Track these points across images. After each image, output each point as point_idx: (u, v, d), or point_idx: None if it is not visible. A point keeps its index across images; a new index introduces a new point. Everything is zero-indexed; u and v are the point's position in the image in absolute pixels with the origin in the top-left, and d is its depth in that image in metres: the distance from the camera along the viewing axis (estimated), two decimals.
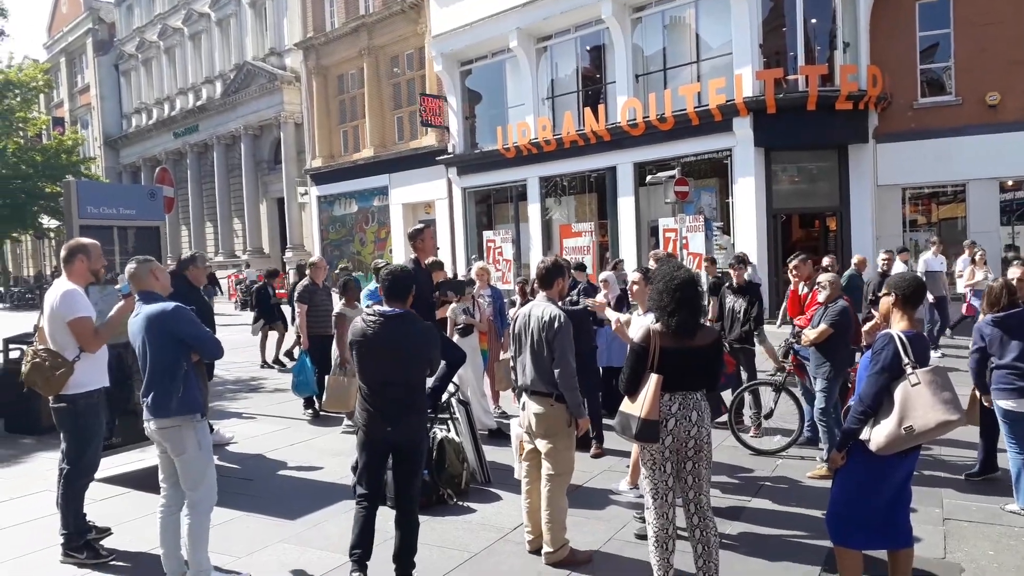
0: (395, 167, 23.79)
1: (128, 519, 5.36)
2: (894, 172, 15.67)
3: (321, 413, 8.71)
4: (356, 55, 24.67)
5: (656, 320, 3.92)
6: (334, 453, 7.11)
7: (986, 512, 5.26)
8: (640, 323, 4.26)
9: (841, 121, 14.91)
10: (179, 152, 36.46)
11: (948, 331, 12.66)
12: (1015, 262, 6.33)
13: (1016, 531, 4.92)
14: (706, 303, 7.74)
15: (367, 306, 6.77)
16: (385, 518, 4.34)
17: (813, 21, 15.40)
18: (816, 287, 6.52)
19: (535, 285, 4.84)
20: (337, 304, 8.48)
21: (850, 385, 6.12)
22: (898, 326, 3.70)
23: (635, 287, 5.41)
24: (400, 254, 23.34)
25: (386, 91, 24.43)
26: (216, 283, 25.82)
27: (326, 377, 8.09)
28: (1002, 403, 5.25)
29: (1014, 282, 5.76)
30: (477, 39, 20.08)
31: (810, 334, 6.23)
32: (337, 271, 17.00)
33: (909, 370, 3.52)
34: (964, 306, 12.10)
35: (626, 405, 3.87)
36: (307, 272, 9.42)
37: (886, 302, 3.82)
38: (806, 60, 15.07)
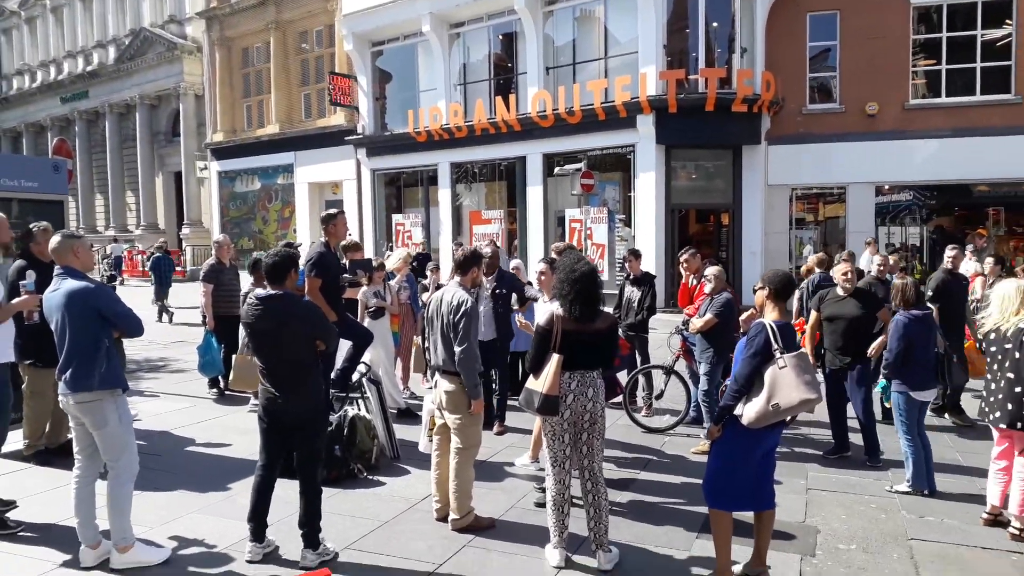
0: (301, 145, 23.39)
1: (34, 492, 5.32)
2: (783, 173, 16.76)
3: (227, 392, 8.70)
4: (263, 28, 24.03)
5: (559, 306, 4.30)
6: (242, 431, 7.17)
7: (843, 483, 5.95)
8: (545, 309, 4.63)
9: (736, 123, 15.81)
10: (66, 119, 34.41)
11: None
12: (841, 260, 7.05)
13: (866, 499, 5.60)
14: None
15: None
16: (295, 490, 4.53)
17: (714, 25, 16.21)
18: (703, 279, 7.09)
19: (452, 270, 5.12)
20: (246, 284, 8.48)
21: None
22: (770, 316, 4.20)
23: (542, 277, 5.79)
24: (305, 233, 23.03)
25: (294, 67, 23.94)
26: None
27: (233, 356, 8.12)
28: (915, 394, 5.67)
29: (839, 277, 6.48)
30: (389, 20, 19.99)
31: (697, 323, 6.79)
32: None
33: (778, 355, 4.01)
34: None
35: (530, 382, 4.25)
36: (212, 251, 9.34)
37: (761, 295, 4.32)
38: (706, 63, 15.87)
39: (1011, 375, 4.84)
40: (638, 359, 8.04)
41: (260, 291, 4.31)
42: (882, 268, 8.29)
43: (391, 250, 17.14)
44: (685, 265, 8.00)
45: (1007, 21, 15.40)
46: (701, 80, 15.51)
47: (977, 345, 5.27)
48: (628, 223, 16.70)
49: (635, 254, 8.46)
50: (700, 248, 10.41)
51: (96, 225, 34.13)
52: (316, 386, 4.41)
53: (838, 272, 6.65)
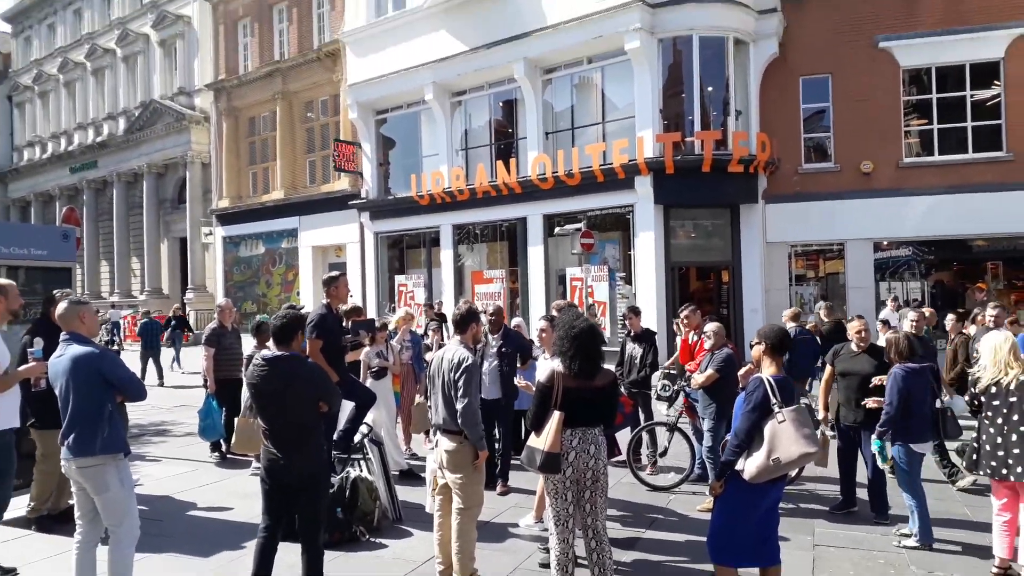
0: (306, 210, 23.76)
1: (35, 559, 5.29)
2: (781, 230, 16.95)
3: (229, 456, 8.67)
4: (269, 99, 24.70)
5: (559, 363, 4.35)
6: (243, 495, 7.14)
7: (850, 539, 5.89)
8: (546, 366, 4.68)
9: (733, 182, 16.07)
10: (75, 188, 35.05)
11: None
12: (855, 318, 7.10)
13: (874, 554, 5.54)
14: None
15: None
16: (298, 554, 4.51)
17: (709, 89, 16.64)
18: (703, 336, 7.14)
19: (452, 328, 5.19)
20: (249, 346, 8.54)
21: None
22: (767, 371, 4.25)
23: (543, 334, 5.85)
24: (308, 297, 23.19)
25: (299, 135, 24.51)
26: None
27: (235, 419, 8.12)
28: (915, 447, 5.70)
29: (853, 335, 6.53)
30: (393, 90, 20.56)
31: (698, 378, 6.82)
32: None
33: (776, 409, 4.05)
34: None
35: (532, 440, 4.27)
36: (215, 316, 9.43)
37: (757, 350, 4.38)
38: (702, 125, 16.23)
39: (1023, 428, 4.81)
40: (641, 416, 8.03)
41: (266, 352, 4.38)
42: (916, 323, 7.77)
43: (393, 311, 17.27)
44: (685, 322, 8.07)
45: (995, 82, 15.81)
46: (697, 142, 15.83)
47: (968, 401, 5.28)
48: (628, 281, 16.82)
49: (635, 311, 8.54)
50: (701, 305, 10.49)
51: (100, 291, 34.38)
52: (318, 447, 4.44)
53: (852, 329, 6.68)
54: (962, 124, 16.07)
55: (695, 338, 7.81)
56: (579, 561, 4.55)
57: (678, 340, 8.53)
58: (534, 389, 4.41)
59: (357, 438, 6.66)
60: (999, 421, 4.96)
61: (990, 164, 15.64)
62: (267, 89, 24.70)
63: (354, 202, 21.68)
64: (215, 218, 27.01)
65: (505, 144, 19.33)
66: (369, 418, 7.13)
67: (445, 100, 19.76)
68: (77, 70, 35.00)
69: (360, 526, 5.80)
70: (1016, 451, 4.83)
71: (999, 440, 4.94)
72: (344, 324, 7.01)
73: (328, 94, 23.52)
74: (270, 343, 8.13)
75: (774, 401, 4.07)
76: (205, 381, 8.93)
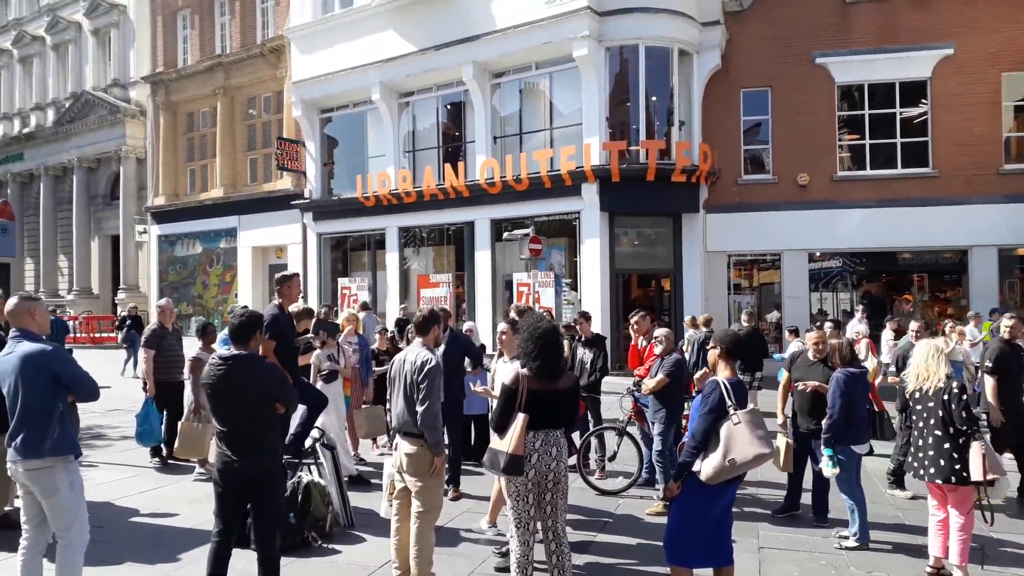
0: (246, 209, 23.24)
1: None
2: (721, 240, 17.41)
3: (170, 461, 8.42)
4: (209, 93, 24.09)
5: (523, 365, 4.39)
6: (188, 500, 6.94)
7: (794, 541, 6.09)
8: (508, 369, 4.71)
9: (676, 192, 16.43)
10: None
11: None
12: (814, 328, 7.39)
13: (816, 556, 5.74)
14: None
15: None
16: (252, 560, 4.43)
17: (654, 99, 16.98)
18: (654, 341, 7.28)
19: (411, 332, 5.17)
20: (193, 348, 8.32)
21: (683, 430, 6.86)
22: (723, 374, 4.38)
23: (503, 336, 5.89)
24: (247, 299, 22.67)
25: (240, 132, 23.96)
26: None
27: (178, 424, 7.90)
28: (855, 448, 5.97)
29: (810, 344, 6.78)
30: (338, 89, 20.32)
31: (649, 383, 6.95)
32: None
33: (732, 411, 4.17)
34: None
35: (495, 442, 4.29)
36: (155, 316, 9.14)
37: (713, 354, 4.51)
38: (647, 135, 16.55)
39: (938, 432, 5.09)
40: (591, 421, 8.12)
41: (223, 351, 4.29)
42: (1011, 329, 7.43)
43: (336, 315, 17.02)
44: (635, 327, 8.21)
45: (923, 100, 16.60)
46: (642, 151, 16.13)
47: (898, 406, 5.54)
48: (574, 287, 17.01)
49: (585, 316, 8.64)
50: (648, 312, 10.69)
51: (25, 290, 32.85)
52: (274, 449, 4.37)
53: (809, 340, 6.90)
54: (892, 140, 16.83)
55: (644, 343, 7.95)
56: (536, 565, 4.58)
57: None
58: (498, 392, 4.43)
59: (308, 442, 6.56)
60: (920, 425, 5.24)
61: (917, 179, 16.41)
62: (207, 84, 24.08)
63: (297, 202, 21.33)
64: (150, 216, 26.17)
65: (453, 147, 19.32)
66: (320, 422, 7.03)
67: (392, 100, 19.63)
68: (3, 58, 33.43)
69: (312, 532, 5.72)
70: (931, 453, 5.12)
71: (920, 443, 5.23)
72: (296, 326, 6.89)
73: (271, 91, 23.09)
74: (215, 344, 8.00)
75: (730, 403, 4.19)
76: (144, 384, 8.63)
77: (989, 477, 4.88)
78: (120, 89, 28.34)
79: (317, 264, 21.40)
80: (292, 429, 6.61)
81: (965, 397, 4.99)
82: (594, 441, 7.95)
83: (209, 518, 4.43)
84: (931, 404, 5.16)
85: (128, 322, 18.89)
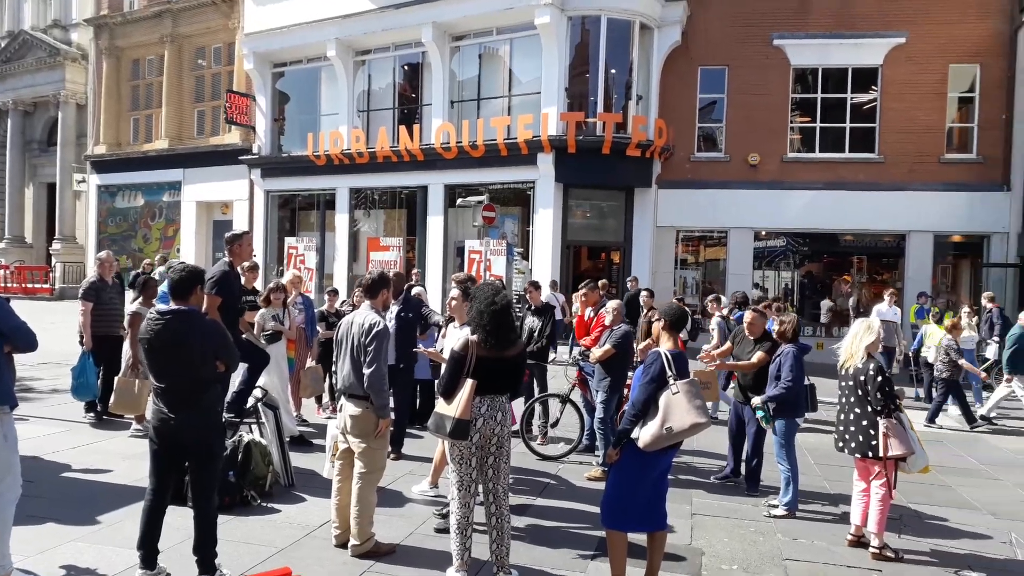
0: (191, 162, 22.55)
1: None
2: (671, 215, 17.62)
3: (105, 417, 8.24)
4: (157, 40, 23.16)
5: (473, 332, 4.41)
6: (124, 456, 6.82)
7: (725, 509, 6.31)
8: (458, 335, 4.72)
9: (630, 166, 16.54)
10: None
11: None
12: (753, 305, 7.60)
13: (746, 523, 5.96)
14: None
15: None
16: (188, 518, 4.39)
17: (612, 72, 16.98)
18: (602, 312, 7.38)
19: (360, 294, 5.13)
20: (133, 303, 8.11)
21: (624, 400, 7.00)
22: (665, 345, 4.47)
23: (453, 302, 5.90)
24: (190, 254, 22.13)
25: (188, 82, 23.14)
26: None
27: (115, 379, 7.72)
28: (798, 419, 6.26)
29: (746, 324, 6.98)
30: (293, 43, 19.75)
31: (597, 353, 7.06)
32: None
33: (672, 382, 4.27)
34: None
35: (441, 407, 4.32)
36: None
37: (657, 326, 4.60)
38: (604, 107, 16.56)
39: (858, 409, 5.34)
40: (536, 388, 8.22)
41: (162, 306, 4.20)
42: None
43: (281, 274, 16.73)
44: (584, 299, 8.30)
45: (873, 87, 16.97)
46: (599, 123, 16.16)
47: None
48: (525, 256, 17.05)
49: (535, 285, 8.70)
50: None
51: None
52: (213, 407, 4.31)
53: (745, 320, 7.10)
54: (841, 124, 17.19)
55: (591, 314, 8.05)
56: (476, 526, 4.65)
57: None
58: (446, 357, 4.45)
59: (251, 402, 6.50)
60: (842, 400, 5.52)
61: (863, 164, 16.84)
62: (155, 30, 23.14)
63: (245, 158, 20.79)
64: (89, 165, 25.18)
65: (409, 109, 19.04)
66: (262, 382, 6.96)
67: (348, 58, 19.20)
68: None
69: (252, 491, 5.68)
70: (852, 429, 5.38)
71: (841, 416, 5.52)
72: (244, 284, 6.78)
73: (222, 41, 22.32)
74: (156, 300, 7.81)
75: (670, 374, 4.29)
76: (81, 337, 8.38)
77: (892, 453, 5.12)
78: (61, 31, 27.00)
79: (264, 222, 20.96)
80: (234, 387, 6.54)
81: (880, 379, 5.21)
82: (538, 407, 8.06)
83: (145, 475, 4.36)
84: (851, 383, 5.40)
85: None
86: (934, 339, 11.39)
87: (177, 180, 23.09)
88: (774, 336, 6.49)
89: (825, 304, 13.76)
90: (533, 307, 8.46)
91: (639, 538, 4.46)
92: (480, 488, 4.50)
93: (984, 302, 13.48)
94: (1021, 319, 10.66)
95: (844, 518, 5.93)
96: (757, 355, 6.63)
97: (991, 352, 12.89)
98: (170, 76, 22.93)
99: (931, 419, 10.35)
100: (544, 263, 16.25)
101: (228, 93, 20.74)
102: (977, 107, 16.70)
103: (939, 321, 11.94)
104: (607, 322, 7.14)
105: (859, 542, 5.51)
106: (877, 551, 5.28)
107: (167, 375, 4.15)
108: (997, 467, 8.22)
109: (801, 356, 6.26)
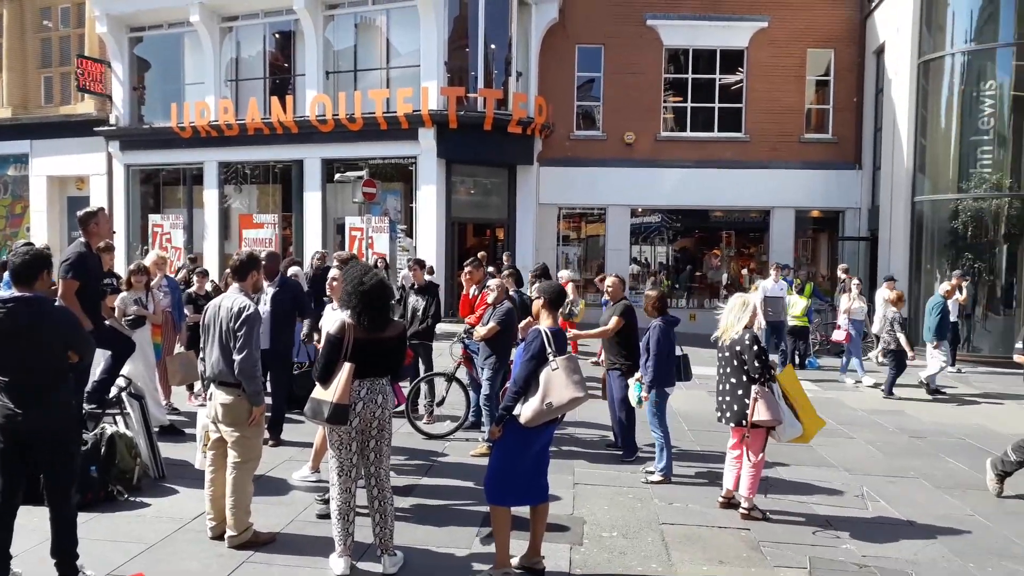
0: (40, 133, 20.64)
1: None
2: (552, 193, 17.89)
3: None
4: None
5: (349, 315, 4.29)
6: None
7: (606, 477, 6.51)
8: (335, 317, 4.58)
9: (512, 143, 16.61)
10: None
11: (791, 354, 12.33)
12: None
13: (625, 490, 6.18)
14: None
15: None
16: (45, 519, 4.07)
17: (492, 47, 16.91)
18: (486, 290, 7.40)
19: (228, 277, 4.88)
20: None
21: (508, 376, 7.08)
22: (545, 323, 4.53)
23: (334, 282, 5.72)
24: (41, 233, 20.38)
25: (32, 45, 21.12)
26: None
27: None
28: (667, 389, 6.53)
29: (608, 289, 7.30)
30: (151, 5, 18.41)
31: (480, 330, 7.08)
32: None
33: (551, 358, 4.33)
34: (843, 333, 11.83)
35: (318, 392, 4.19)
36: None
37: (537, 304, 4.65)
38: (485, 83, 16.50)
39: (734, 380, 5.62)
40: (421, 367, 8.15)
41: (3, 293, 3.83)
42: None
43: (145, 254, 15.75)
44: (468, 276, 8.28)
45: (739, 68, 17.78)
46: (480, 99, 16.08)
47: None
48: (409, 234, 16.83)
49: (420, 264, 8.60)
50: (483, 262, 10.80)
51: None
52: (65, 399, 3.99)
53: (607, 282, 7.35)
54: (711, 105, 17.95)
55: (476, 292, 8.05)
56: (358, 510, 4.58)
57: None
58: (322, 340, 4.31)
59: (114, 391, 6.08)
60: (721, 372, 5.77)
61: (731, 143, 17.69)
62: None
63: (101, 128, 19.28)
64: None
65: (281, 79, 18.26)
66: (126, 370, 6.53)
67: (214, 24, 18.12)
68: None
69: (118, 485, 5.34)
70: (728, 399, 5.66)
71: (720, 387, 5.77)
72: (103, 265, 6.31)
73: (70, 1, 20.49)
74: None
75: (550, 351, 4.35)
76: None
77: (758, 418, 5.41)
78: None
79: (125, 198, 19.57)
80: (94, 377, 6.11)
81: (756, 348, 5.51)
82: (423, 387, 8.01)
83: None
84: (727, 354, 5.67)
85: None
86: (796, 309, 12.15)
87: (24, 152, 21.13)
88: (648, 311, 6.72)
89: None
90: (416, 286, 8.37)
91: (524, 511, 4.53)
92: (362, 471, 4.42)
93: (840, 273, 14.53)
94: (939, 289, 11.33)
95: (716, 481, 6.26)
96: (613, 320, 6.94)
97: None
98: (10, 38, 20.84)
99: (889, 391, 10.68)
100: (429, 240, 16.11)
101: (78, 58, 19.11)
102: (832, 90, 17.87)
103: (800, 292, 12.77)
104: (490, 300, 7.17)
105: (730, 504, 5.82)
106: (747, 512, 5.60)
107: (11, 368, 3.80)
108: (853, 426, 8.91)
109: (669, 329, 6.51)
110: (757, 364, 5.46)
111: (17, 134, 20.88)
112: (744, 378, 5.54)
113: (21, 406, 3.78)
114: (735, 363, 5.60)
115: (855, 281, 12.66)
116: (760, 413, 5.42)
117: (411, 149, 16.25)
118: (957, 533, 5.50)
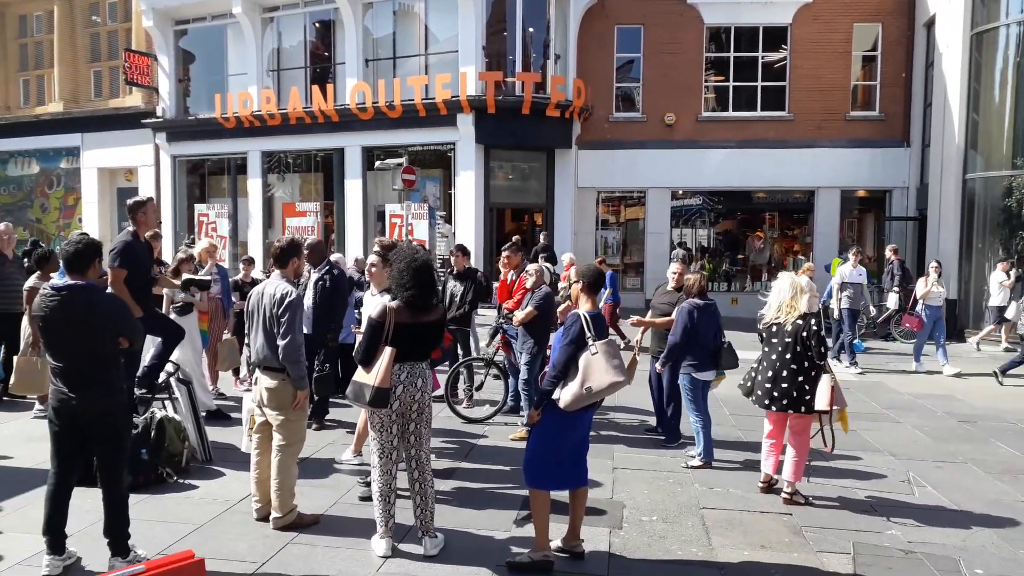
0: (90, 126, 21.22)
1: None
2: (591, 176, 17.76)
3: (6, 398, 7.81)
4: None
5: (392, 298, 4.34)
6: (27, 439, 6.49)
7: (645, 462, 6.49)
8: (376, 302, 4.64)
9: (550, 127, 16.51)
10: None
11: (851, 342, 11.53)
12: (675, 260, 7.84)
13: (665, 475, 6.16)
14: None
15: None
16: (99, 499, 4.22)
17: (530, 30, 16.81)
18: (524, 275, 7.41)
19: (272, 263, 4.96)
20: (31, 278, 7.65)
21: (547, 360, 7.09)
22: (584, 307, 4.52)
23: (373, 269, 5.79)
24: (93, 224, 20.98)
25: (82, 40, 21.68)
26: None
27: (14, 358, 7.30)
28: (697, 375, 6.44)
29: (673, 276, 7.18)
30: None
31: (519, 315, 7.10)
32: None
33: (590, 343, 4.32)
34: (915, 320, 11.35)
35: (360, 375, 4.25)
36: None
37: (575, 288, 4.63)
38: (523, 67, 16.42)
39: (794, 366, 5.45)
40: (460, 352, 8.22)
41: (56, 281, 3.96)
42: None
43: (193, 243, 16.10)
44: (506, 261, 8.29)
45: (783, 46, 17.37)
46: (518, 83, 16.02)
47: (759, 336, 5.88)
48: (448, 220, 16.90)
49: (462, 250, 8.65)
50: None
51: None
52: (116, 385, 4.12)
53: (671, 269, 7.38)
54: (753, 84, 17.59)
55: (514, 277, 8.06)
56: (400, 492, 4.65)
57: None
58: (363, 324, 4.38)
59: (163, 377, 6.26)
60: (773, 357, 5.59)
61: (774, 123, 17.32)
62: None
63: (148, 121, 19.73)
64: None
65: (322, 68, 18.43)
66: (175, 356, 6.71)
67: (256, 15, 18.36)
68: None
69: (167, 468, 5.51)
70: (784, 386, 5.46)
71: (770, 373, 5.56)
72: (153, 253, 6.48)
73: None
74: (55, 274, 7.38)
75: (589, 335, 4.34)
76: None
77: (838, 407, 5.40)
78: None
79: (172, 189, 20.05)
80: (145, 362, 6.29)
81: (822, 333, 5.44)
82: (463, 372, 8.08)
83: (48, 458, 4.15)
84: (789, 339, 5.47)
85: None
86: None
87: (75, 145, 21.75)
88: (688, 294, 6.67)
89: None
90: (456, 272, 8.41)
91: (563, 495, 4.55)
92: (403, 454, 4.48)
93: (888, 254, 14.18)
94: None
95: (757, 466, 6.18)
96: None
97: (892, 301, 13.61)
98: (62, 34, 21.43)
99: (1003, 373, 10.27)
100: (468, 226, 16.16)
101: (126, 52, 19.55)
102: (879, 65, 17.35)
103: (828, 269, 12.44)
104: (528, 284, 7.18)
105: (771, 488, 5.76)
106: (788, 496, 5.54)
107: (65, 354, 3.95)
108: (899, 410, 8.72)
109: (694, 311, 6.40)
110: (824, 350, 5.40)
111: (69, 128, 21.50)
112: (806, 364, 5.42)
113: (75, 390, 3.93)
114: (796, 349, 5.43)
115: (933, 264, 11.63)
116: (832, 400, 5.37)
117: (450, 135, 16.28)
118: (1007, 519, 5.36)
